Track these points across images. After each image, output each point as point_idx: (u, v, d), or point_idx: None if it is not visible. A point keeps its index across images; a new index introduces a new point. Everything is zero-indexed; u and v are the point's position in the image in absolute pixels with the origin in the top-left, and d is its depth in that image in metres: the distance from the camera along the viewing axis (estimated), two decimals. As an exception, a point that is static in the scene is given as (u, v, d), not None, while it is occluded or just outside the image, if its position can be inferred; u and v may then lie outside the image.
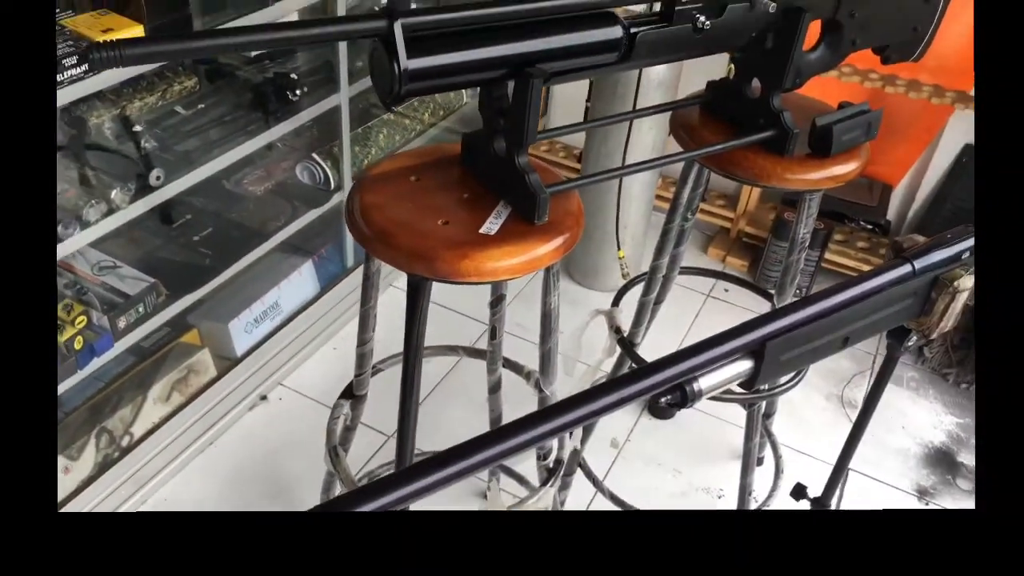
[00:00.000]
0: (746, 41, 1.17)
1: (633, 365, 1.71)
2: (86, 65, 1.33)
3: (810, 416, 2.21)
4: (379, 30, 0.89)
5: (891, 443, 2.15)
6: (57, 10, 1.42)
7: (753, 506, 1.75)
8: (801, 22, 1.15)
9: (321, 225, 2.18)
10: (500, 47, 0.97)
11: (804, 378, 1.69)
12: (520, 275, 1.04)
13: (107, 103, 1.63)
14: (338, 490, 1.53)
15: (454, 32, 0.95)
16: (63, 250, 1.48)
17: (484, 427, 1.68)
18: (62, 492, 1.69)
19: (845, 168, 1.27)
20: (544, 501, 1.39)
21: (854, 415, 1.16)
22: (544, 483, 1.43)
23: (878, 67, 1.34)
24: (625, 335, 1.71)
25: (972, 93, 2.24)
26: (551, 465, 1.45)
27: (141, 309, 1.68)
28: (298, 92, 1.91)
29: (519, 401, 1.53)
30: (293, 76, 1.90)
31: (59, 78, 1.31)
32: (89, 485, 1.72)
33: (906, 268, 0.85)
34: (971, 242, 0.89)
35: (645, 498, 1.94)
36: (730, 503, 1.96)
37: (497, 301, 1.38)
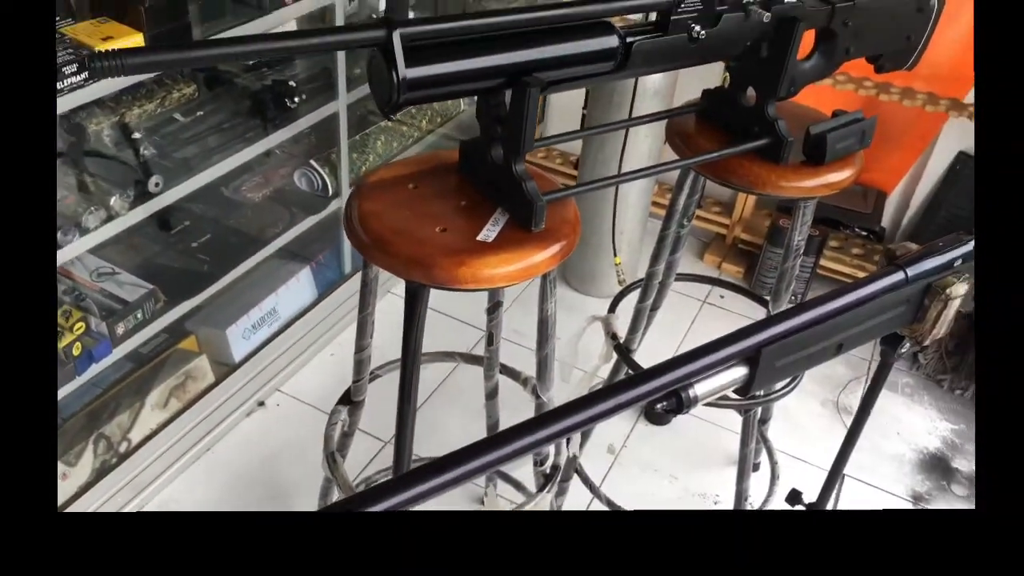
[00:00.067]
0: (741, 50, 1.18)
1: (629, 371, 1.71)
2: (86, 73, 1.33)
3: (806, 422, 2.22)
4: (378, 40, 0.90)
5: (886, 449, 2.16)
6: (57, 18, 1.43)
7: (749, 512, 1.76)
8: (795, 31, 1.16)
9: (319, 231, 2.19)
10: (497, 56, 0.98)
11: (799, 384, 1.69)
12: (517, 282, 1.05)
13: (106, 110, 1.64)
14: (336, 496, 1.53)
15: (452, 41, 0.96)
16: (62, 256, 1.49)
17: (481, 433, 1.69)
18: (60, 497, 1.69)
19: (839, 176, 1.28)
20: (541, 507, 1.40)
21: (849, 421, 1.17)
22: (541, 489, 1.43)
23: (872, 75, 1.36)
24: (621, 341, 1.72)
25: (966, 101, 2.26)
26: (548, 471, 1.45)
27: (139, 315, 1.69)
28: (296, 99, 1.92)
29: (516, 407, 1.54)
30: (291, 83, 1.91)
31: (59, 86, 1.32)
32: (87, 491, 1.72)
33: (899, 275, 0.86)
34: (963, 249, 0.90)
35: (641, 504, 1.94)
36: (726, 509, 1.97)
37: (494, 307, 1.39)
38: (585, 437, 1.99)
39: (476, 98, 1.05)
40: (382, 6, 2.24)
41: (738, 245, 2.76)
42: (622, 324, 1.74)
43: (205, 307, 1.90)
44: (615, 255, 2.40)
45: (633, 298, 1.74)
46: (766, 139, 1.25)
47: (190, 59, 0.85)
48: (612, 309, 1.78)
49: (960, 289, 0.88)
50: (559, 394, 1.37)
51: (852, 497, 1.99)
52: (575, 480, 1.82)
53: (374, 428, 1.97)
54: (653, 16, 1.10)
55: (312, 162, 2.13)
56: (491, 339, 1.47)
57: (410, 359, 1.16)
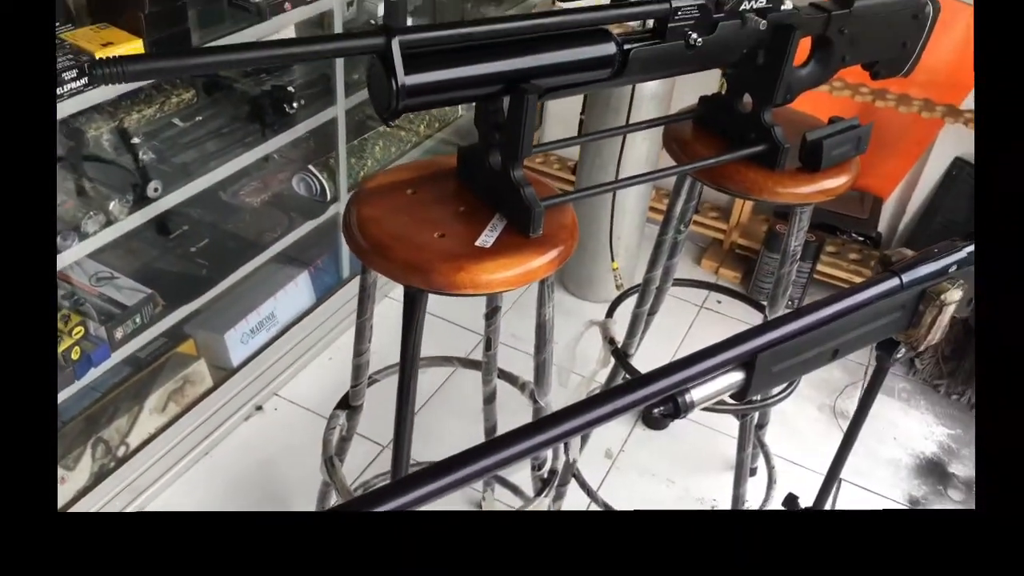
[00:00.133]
0: (738, 57, 1.19)
1: (627, 376, 1.72)
2: (86, 78, 1.34)
3: (803, 427, 2.22)
4: (377, 47, 0.90)
5: (883, 454, 2.17)
6: (57, 24, 1.43)
7: (746, 516, 1.76)
8: (791, 39, 1.17)
9: (317, 236, 2.19)
10: (495, 63, 0.98)
11: (796, 389, 1.70)
12: (515, 287, 1.05)
13: (105, 115, 1.64)
14: (334, 500, 1.53)
15: (450, 49, 0.97)
16: (61, 261, 1.49)
17: (479, 437, 1.70)
18: (59, 501, 1.69)
19: (835, 182, 1.28)
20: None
21: (846, 425, 1.18)
22: (539, 493, 1.44)
23: (869, 81, 1.37)
24: (619, 346, 1.73)
25: (962, 107, 2.27)
26: (545, 475, 1.46)
27: (138, 320, 1.69)
28: (295, 104, 1.93)
29: (514, 411, 1.54)
30: (290, 89, 1.92)
31: (59, 91, 1.32)
32: (85, 495, 1.72)
33: (894, 282, 0.86)
34: (958, 256, 0.91)
35: (639, 508, 1.95)
36: (723, 513, 1.97)
37: (492, 312, 1.40)
38: (583, 441, 1.99)
39: (474, 104, 1.06)
40: (380, 12, 2.24)
41: (735, 250, 2.77)
42: (620, 329, 1.74)
43: (203, 311, 1.91)
44: (613, 260, 2.41)
45: (631, 303, 1.74)
46: (762, 145, 1.26)
47: (190, 66, 0.86)
48: (610, 314, 1.79)
49: (955, 295, 0.89)
50: (557, 398, 1.37)
51: (849, 502, 1.99)
52: (573, 484, 1.83)
53: (372, 432, 1.97)
54: (650, 23, 1.11)
55: (310, 167, 2.14)
56: (489, 344, 1.47)
57: (408, 364, 1.17)
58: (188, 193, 1.70)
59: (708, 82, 1.47)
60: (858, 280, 2.49)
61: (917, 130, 2.42)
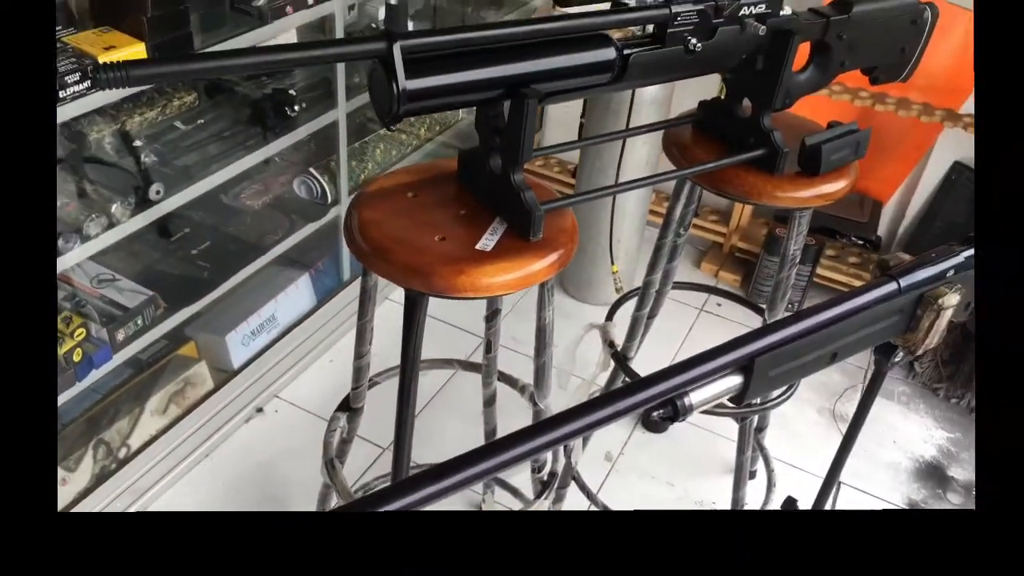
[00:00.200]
0: (737, 62, 1.20)
1: (627, 379, 1.73)
2: (88, 82, 1.35)
3: (802, 430, 2.23)
4: (378, 52, 0.91)
5: (882, 457, 2.17)
6: (60, 27, 1.44)
7: (745, 519, 1.76)
8: (790, 44, 1.18)
9: (318, 239, 2.20)
10: (496, 68, 0.99)
11: (796, 392, 1.71)
12: (515, 291, 1.06)
13: (107, 118, 1.65)
14: (334, 502, 1.54)
15: (451, 53, 0.97)
16: (63, 263, 1.50)
17: (479, 440, 1.70)
18: (60, 503, 1.70)
19: (834, 186, 1.29)
20: (538, 513, 1.41)
21: (845, 428, 1.18)
22: (538, 496, 1.44)
23: (868, 85, 1.37)
24: (619, 349, 1.73)
25: (961, 112, 2.27)
26: (545, 478, 1.46)
27: (140, 322, 1.70)
28: (296, 108, 1.93)
29: (513, 414, 1.54)
30: (291, 92, 1.92)
31: (62, 94, 1.33)
32: (86, 496, 1.73)
33: (892, 286, 0.87)
34: (956, 260, 0.91)
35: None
36: (723, 516, 1.97)
37: (492, 315, 1.40)
38: (583, 444, 1.99)
39: (475, 108, 1.07)
40: (381, 15, 2.25)
41: (735, 253, 2.77)
42: (619, 332, 1.75)
43: (204, 314, 1.91)
44: (612, 263, 2.42)
45: (630, 306, 1.75)
46: (762, 150, 1.27)
47: (193, 71, 0.86)
48: (609, 317, 1.79)
49: (952, 299, 0.89)
50: (556, 401, 1.38)
51: (848, 505, 1.99)
52: (572, 487, 1.83)
53: (372, 435, 1.97)
54: (650, 28, 1.12)
55: (311, 170, 2.14)
56: (489, 347, 1.48)
57: (409, 366, 1.17)
58: (190, 196, 1.71)
59: (708, 86, 1.48)
60: (858, 284, 2.50)
61: (916, 134, 2.42)
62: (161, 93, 1.75)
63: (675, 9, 1.09)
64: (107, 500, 1.76)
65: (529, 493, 1.72)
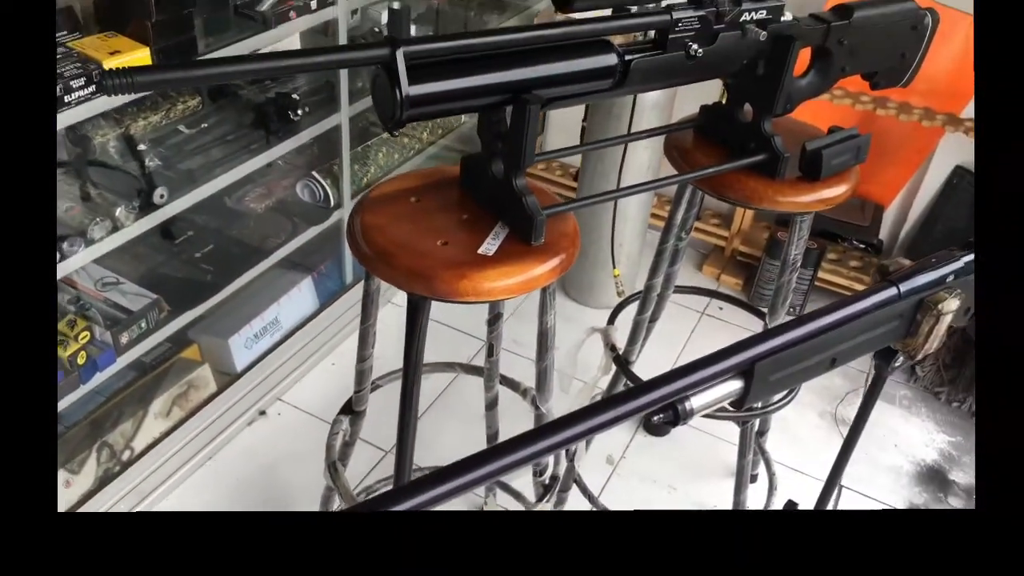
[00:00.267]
0: (738, 68, 1.20)
1: (628, 383, 1.73)
2: (93, 86, 1.36)
3: (804, 433, 2.23)
4: (382, 58, 0.91)
5: (883, 461, 2.17)
6: (65, 32, 1.45)
7: (746, 522, 1.77)
8: (791, 50, 1.18)
9: (321, 242, 2.21)
10: (498, 74, 1.00)
11: (797, 396, 1.71)
12: (517, 295, 1.06)
13: (111, 122, 1.66)
14: (337, 505, 1.54)
15: (454, 59, 0.98)
16: (68, 267, 1.50)
17: (481, 443, 1.71)
18: (63, 505, 1.70)
19: (835, 191, 1.30)
20: (540, 517, 1.41)
21: (847, 432, 1.19)
22: (540, 499, 1.45)
23: (869, 90, 1.38)
24: (620, 353, 1.74)
25: (962, 116, 2.28)
26: (547, 481, 1.47)
27: (143, 325, 1.70)
28: (299, 112, 1.94)
29: (515, 417, 1.55)
30: (295, 96, 1.93)
31: (67, 99, 1.34)
32: (90, 499, 1.73)
33: (892, 291, 0.87)
34: (956, 265, 0.92)
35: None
36: (724, 519, 1.97)
37: (494, 319, 1.41)
38: (585, 447, 2.00)
39: (477, 114, 1.07)
40: (384, 20, 2.26)
41: (737, 257, 2.78)
42: (621, 335, 1.75)
43: (208, 317, 1.92)
44: (614, 267, 2.42)
45: (632, 310, 1.75)
46: (763, 155, 1.27)
47: (197, 78, 0.87)
48: (611, 321, 1.80)
49: (952, 304, 0.90)
50: (558, 404, 1.38)
51: (849, 508, 2.00)
52: (574, 490, 1.83)
53: (375, 438, 1.98)
54: (651, 34, 1.12)
55: (314, 173, 2.15)
56: (491, 350, 1.48)
57: (411, 370, 1.18)
58: (193, 199, 1.72)
59: (709, 91, 1.49)
60: (859, 287, 2.50)
61: (918, 138, 2.43)
62: (165, 97, 1.76)
63: (676, 15, 1.10)
64: (110, 503, 1.77)
65: (531, 496, 1.72)
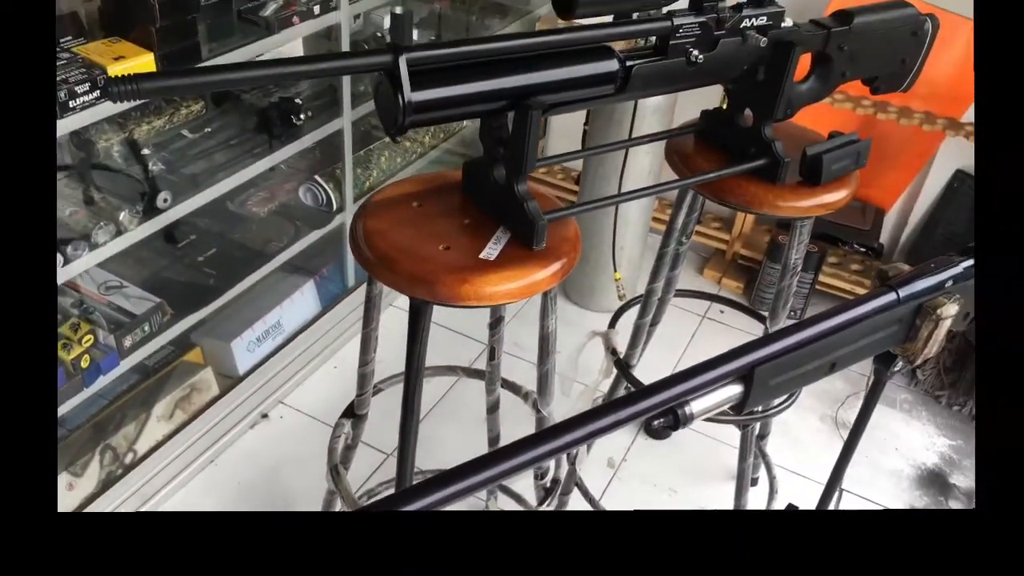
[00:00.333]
0: (738, 73, 1.21)
1: (629, 386, 1.73)
2: (97, 92, 1.36)
3: (804, 437, 2.23)
4: (385, 64, 0.92)
5: (884, 464, 2.18)
6: (69, 37, 1.46)
7: (747, 526, 1.77)
8: (791, 56, 1.19)
9: (323, 245, 2.22)
10: (500, 80, 1.00)
11: (798, 400, 1.71)
12: (518, 299, 1.07)
13: (115, 126, 1.67)
14: (338, 507, 1.55)
15: (456, 66, 0.99)
16: (72, 271, 1.51)
17: (482, 446, 1.71)
18: (66, 508, 1.71)
19: (835, 196, 1.30)
20: (541, 520, 1.41)
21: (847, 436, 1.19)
22: (541, 502, 1.45)
23: (870, 94, 1.38)
24: (621, 356, 1.74)
25: (963, 120, 2.28)
26: (548, 484, 1.47)
27: (146, 328, 1.71)
28: (302, 116, 1.95)
29: (516, 421, 1.56)
30: (297, 101, 1.94)
31: (71, 104, 1.35)
32: (93, 501, 1.74)
33: (891, 296, 0.88)
34: (955, 271, 0.92)
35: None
36: (725, 523, 1.98)
37: (496, 323, 1.41)
38: (587, 450, 2.00)
39: (479, 119, 1.08)
40: (387, 25, 2.27)
41: (738, 260, 2.78)
42: (622, 339, 1.76)
43: (210, 320, 1.93)
44: (615, 270, 2.43)
45: (633, 313, 1.76)
46: (763, 160, 1.28)
47: (202, 84, 0.88)
48: (612, 324, 1.80)
49: (951, 310, 0.90)
50: (559, 408, 1.39)
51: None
52: (575, 493, 1.84)
53: (376, 441, 1.98)
54: (652, 40, 1.13)
55: (317, 177, 2.16)
56: (493, 354, 1.49)
57: (413, 374, 1.18)
58: (197, 203, 1.73)
59: (710, 96, 1.49)
60: (860, 291, 2.51)
61: (918, 143, 2.43)
62: (169, 102, 1.77)
63: (677, 21, 1.10)
64: (113, 505, 1.78)
65: (532, 499, 1.72)
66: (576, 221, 1.16)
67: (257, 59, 1.69)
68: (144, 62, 1.44)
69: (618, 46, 1.11)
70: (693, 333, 2.54)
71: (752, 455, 1.66)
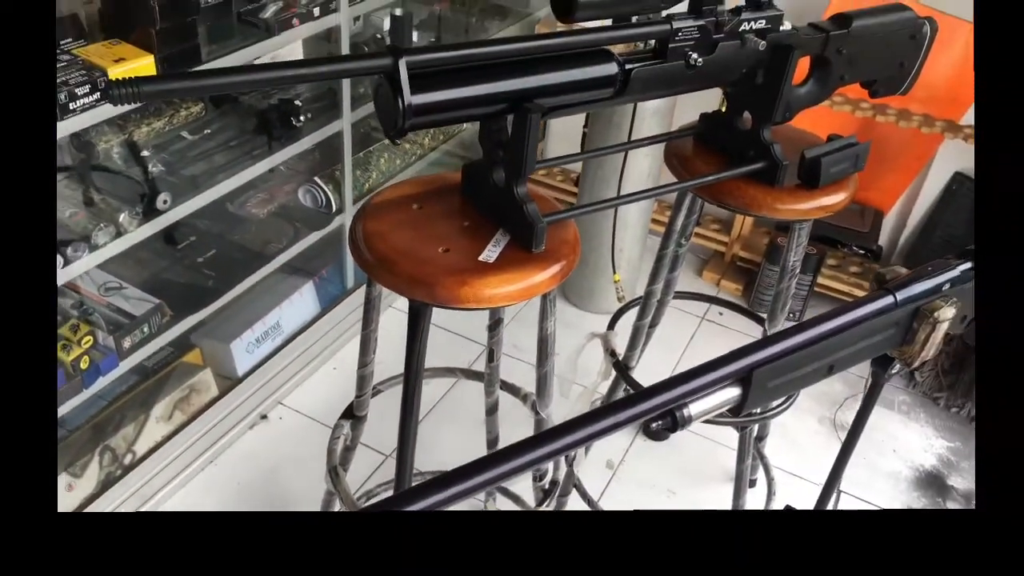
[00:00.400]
0: (737, 77, 1.21)
1: (628, 388, 1.74)
2: (98, 94, 1.37)
3: (803, 439, 2.24)
4: (385, 68, 0.92)
5: (882, 466, 2.18)
6: (70, 39, 1.46)
7: (746, 527, 1.77)
8: (790, 59, 1.19)
9: (322, 247, 2.22)
10: (500, 83, 1.01)
11: (796, 401, 1.71)
12: (517, 302, 1.07)
13: (115, 128, 1.67)
14: (337, 508, 1.55)
15: (455, 69, 0.99)
16: (72, 272, 1.51)
17: (481, 447, 1.71)
18: (66, 508, 1.71)
19: (833, 199, 1.30)
20: (540, 521, 1.42)
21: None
22: (540, 503, 1.46)
23: (869, 97, 1.39)
24: (620, 358, 1.75)
25: (961, 123, 2.29)
26: (547, 486, 1.48)
27: (146, 329, 1.71)
28: (302, 118, 1.95)
29: (515, 422, 1.56)
30: (297, 102, 1.95)
31: (72, 106, 1.35)
32: (92, 502, 1.74)
33: (888, 299, 0.88)
34: (952, 274, 0.93)
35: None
36: (723, 524, 1.98)
37: (495, 325, 1.42)
38: (585, 452, 2.01)
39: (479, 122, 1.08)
40: (386, 26, 2.27)
41: (737, 262, 2.78)
42: (621, 341, 1.76)
43: (210, 321, 1.93)
44: (615, 272, 2.43)
45: (632, 315, 1.76)
46: (762, 163, 1.28)
47: (203, 87, 0.88)
48: (611, 326, 1.80)
49: (948, 313, 0.90)
50: (558, 409, 1.39)
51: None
52: (573, 495, 1.84)
53: (375, 442, 1.99)
54: (652, 44, 1.14)
55: (316, 179, 2.16)
56: (492, 356, 1.49)
57: (412, 376, 1.19)
58: (196, 205, 1.73)
59: (709, 99, 1.50)
60: (859, 293, 2.51)
61: (917, 145, 2.44)
62: (168, 103, 1.77)
63: (676, 25, 1.11)
64: (112, 506, 1.78)
65: (530, 500, 1.73)
66: (575, 223, 1.17)
67: (258, 62, 1.69)
68: (144, 64, 1.45)
69: (617, 49, 1.11)
70: (692, 335, 2.54)
71: (750, 457, 1.66)
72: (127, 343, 1.68)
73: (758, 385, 0.77)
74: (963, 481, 2.17)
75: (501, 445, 1.55)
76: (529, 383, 1.47)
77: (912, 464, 2.20)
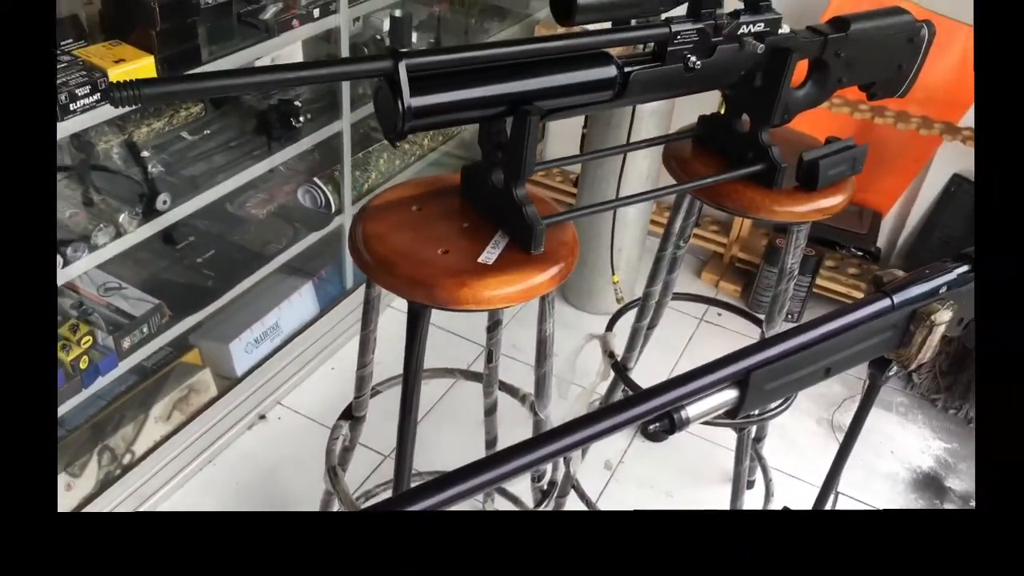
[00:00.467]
0: (736, 79, 1.22)
1: (626, 389, 1.74)
2: (98, 95, 1.37)
3: (801, 440, 2.24)
4: (384, 70, 0.93)
5: (880, 467, 2.18)
6: (70, 40, 1.46)
7: (743, 528, 1.78)
8: (788, 62, 1.20)
9: (321, 247, 2.22)
10: (499, 86, 1.01)
11: (794, 403, 1.72)
12: (516, 303, 1.08)
13: (115, 128, 1.68)
14: (336, 509, 1.55)
15: (455, 71, 0.99)
16: (72, 272, 1.52)
17: (479, 448, 1.72)
18: (65, 508, 1.71)
19: (831, 201, 1.31)
20: (538, 522, 1.42)
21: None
22: (538, 504, 1.46)
23: (867, 99, 1.40)
24: (619, 359, 1.75)
25: (960, 125, 2.29)
26: (545, 487, 1.48)
27: (145, 330, 1.72)
28: (301, 118, 1.96)
29: (514, 423, 1.56)
30: (296, 103, 1.95)
31: (72, 107, 1.35)
32: (91, 502, 1.74)
33: (885, 302, 0.88)
34: (948, 277, 0.93)
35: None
36: (721, 525, 1.98)
37: (494, 326, 1.42)
38: (582, 453, 2.01)
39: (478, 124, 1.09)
40: (386, 27, 2.28)
41: (735, 264, 2.79)
42: (619, 342, 1.76)
43: (209, 321, 1.93)
44: (613, 273, 2.43)
45: (631, 316, 1.77)
46: (760, 165, 1.28)
47: (203, 90, 0.88)
48: (610, 327, 1.81)
49: (945, 315, 0.91)
50: (557, 410, 1.40)
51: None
52: (572, 496, 1.84)
53: (374, 442, 1.99)
54: (651, 47, 1.14)
55: (316, 179, 2.17)
56: (490, 357, 1.49)
57: (411, 376, 1.19)
58: (196, 205, 1.73)
59: (708, 101, 1.50)
60: (857, 295, 2.52)
61: (916, 147, 2.44)
62: (168, 104, 1.78)
63: (675, 28, 1.11)
64: (111, 505, 1.78)
65: (528, 501, 1.73)
66: (574, 224, 1.17)
67: (258, 64, 1.69)
68: (144, 65, 1.45)
69: (616, 52, 1.12)
70: (690, 336, 2.54)
71: (748, 458, 1.67)
72: (126, 343, 1.68)
73: (755, 387, 0.78)
74: (961, 482, 2.17)
75: (500, 446, 1.56)
76: (528, 384, 1.47)
77: (910, 465, 2.21)
